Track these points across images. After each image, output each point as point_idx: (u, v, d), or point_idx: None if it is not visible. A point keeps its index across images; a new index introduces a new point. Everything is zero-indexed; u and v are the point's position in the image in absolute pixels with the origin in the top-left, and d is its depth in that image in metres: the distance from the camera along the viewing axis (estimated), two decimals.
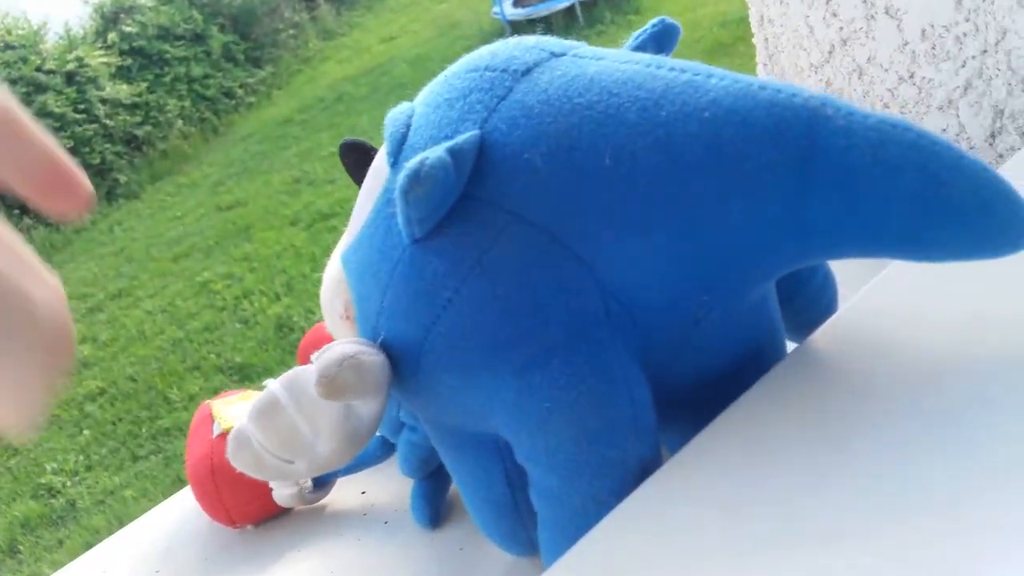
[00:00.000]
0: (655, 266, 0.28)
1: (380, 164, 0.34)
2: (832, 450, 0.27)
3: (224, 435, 0.57)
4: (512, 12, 6.09)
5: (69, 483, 3.30)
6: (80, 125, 6.50)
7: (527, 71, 0.32)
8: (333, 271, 0.36)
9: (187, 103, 7.25)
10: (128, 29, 7.33)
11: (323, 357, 0.29)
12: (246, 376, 3.47)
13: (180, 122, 7.07)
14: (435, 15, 7.95)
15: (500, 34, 6.19)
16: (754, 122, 0.27)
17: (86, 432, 3.58)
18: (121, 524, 2.93)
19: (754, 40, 0.71)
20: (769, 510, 0.26)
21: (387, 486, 0.57)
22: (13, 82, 6.36)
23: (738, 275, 0.30)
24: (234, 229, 4.89)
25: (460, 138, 0.30)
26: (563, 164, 0.29)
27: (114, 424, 3.56)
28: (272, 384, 0.30)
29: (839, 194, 0.27)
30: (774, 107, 0.27)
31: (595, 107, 0.29)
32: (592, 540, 0.28)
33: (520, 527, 0.37)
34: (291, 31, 8.48)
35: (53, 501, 3.23)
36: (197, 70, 7.48)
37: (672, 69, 0.29)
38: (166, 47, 7.41)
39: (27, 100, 6.35)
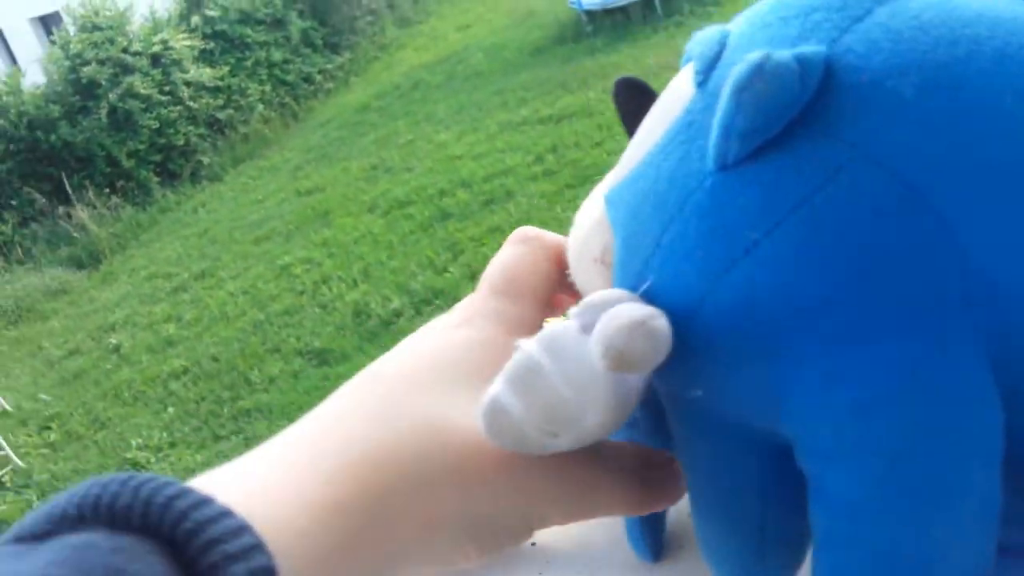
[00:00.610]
0: None
1: (681, 85, 0.28)
2: None
3: None
4: (589, 1, 6.04)
5: (153, 459, 3.40)
6: (165, 107, 6.67)
7: None
8: (592, 212, 0.31)
9: (267, 87, 7.38)
10: (210, 13, 7.47)
11: (607, 324, 0.24)
12: (324, 361, 3.53)
13: (261, 106, 7.20)
14: (511, 4, 7.92)
15: (576, 23, 6.16)
16: None
17: (170, 409, 3.68)
18: None
19: None
20: None
21: None
22: (101, 62, 6.53)
23: None
24: (313, 214, 4.97)
25: (806, 49, 0.23)
26: (943, 101, 0.22)
27: (197, 403, 3.65)
28: (527, 345, 0.25)
29: None
30: None
31: (988, 43, 0.23)
32: None
33: (760, 561, 0.30)
34: (368, 18, 8.55)
35: None
36: (277, 55, 7.61)
37: None
38: (247, 31, 7.54)
39: (114, 81, 6.52)
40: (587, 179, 3.98)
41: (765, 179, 0.23)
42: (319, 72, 7.81)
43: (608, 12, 6.00)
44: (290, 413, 3.28)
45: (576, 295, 0.32)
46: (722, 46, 0.27)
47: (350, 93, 7.34)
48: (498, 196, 4.28)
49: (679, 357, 0.26)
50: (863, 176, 0.22)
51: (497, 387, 0.25)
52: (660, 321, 0.24)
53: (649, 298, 0.26)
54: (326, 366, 3.51)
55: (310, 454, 0.25)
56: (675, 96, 0.28)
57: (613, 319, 0.24)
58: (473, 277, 3.63)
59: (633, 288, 0.27)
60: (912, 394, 0.22)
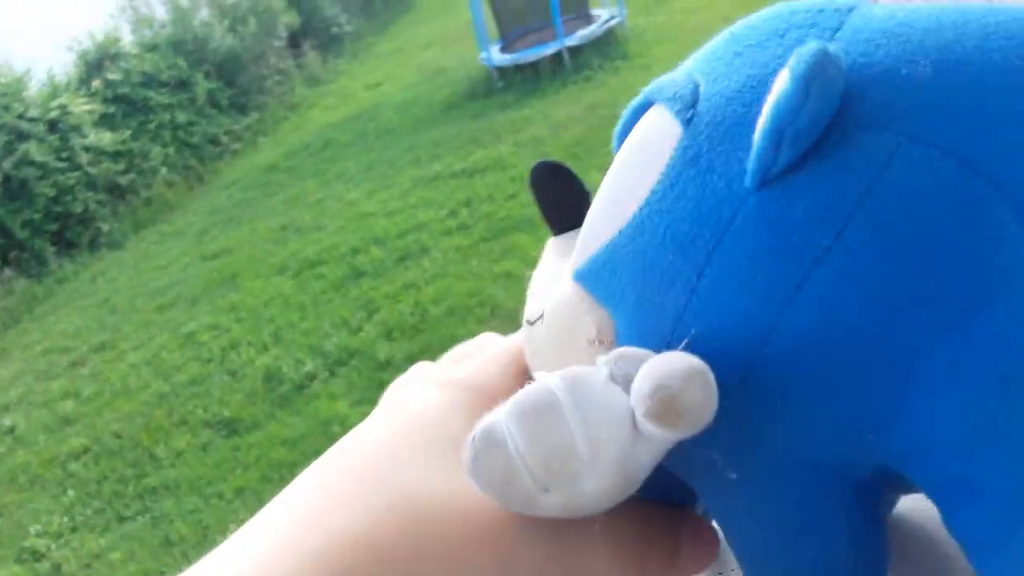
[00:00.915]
0: None
1: (655, 131, 0.27)
2: None
3: None
4: (499, 58, 6.13)
5: (54, 546, 3.20)
6: (63, 173, 6.46)
7: (850, 9, 0.25)
8: (560, 299, 0.29)
9: (171, 150, 7.24)
10: (112, 76, 7.33)
11: (658, 365, 0.22)
12: (234, 431, 3.41)
13: (164, 170, 7.04)
14: (420, 61, 8.00)
15: (487, 80, 6.22)
16: None
17: (70, 492, 3.48)
18: None
19: None
20: None
21: None
22: None
23: None
24: (219, 278, 4.84)
25: (830, 47, 0.23)
26: (959, 76, 0.23)
27: (99, 483, 3.47)
28: (548, 378, 0.23)
29: None
30: None
31: (967, 25, 0.23)
32: None
33: None
34: (277, 78, 8.52)
35: (38, 565, 3.13)
36: (182, 117, 7.48)
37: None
38: (151, 94, 7.42)
39: (9, 148, 6.31)
40: (501, 232, 3.99)
41: (816, 183, 0.22)
42: (225, 133, 7.69)
43: (518, 68, 6.07)
44: (199, 488, 3.15)
45: None
46: (695, 84, 0.26)
47: (258, 153, 7.24)
48: (412, 252, 4.25)
49: (736, 411, 0.23)
50: (917, 158, 0.22)
51: (497, 416, 0.23)
52: (714, 378, 0.22)
53: (696, 353, 0.23)
54: (236, 436, 3.37)
55: (281, 547, 0.23)
56: (651, 144, 0.27)
57: (667, 362, 0.22)
58: (389, 335, 3.57)
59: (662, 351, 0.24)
60: None
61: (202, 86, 7.80)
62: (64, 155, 6.56)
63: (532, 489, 0.23)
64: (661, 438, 0.23)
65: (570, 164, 0.30)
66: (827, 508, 0.25)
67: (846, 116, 0.23)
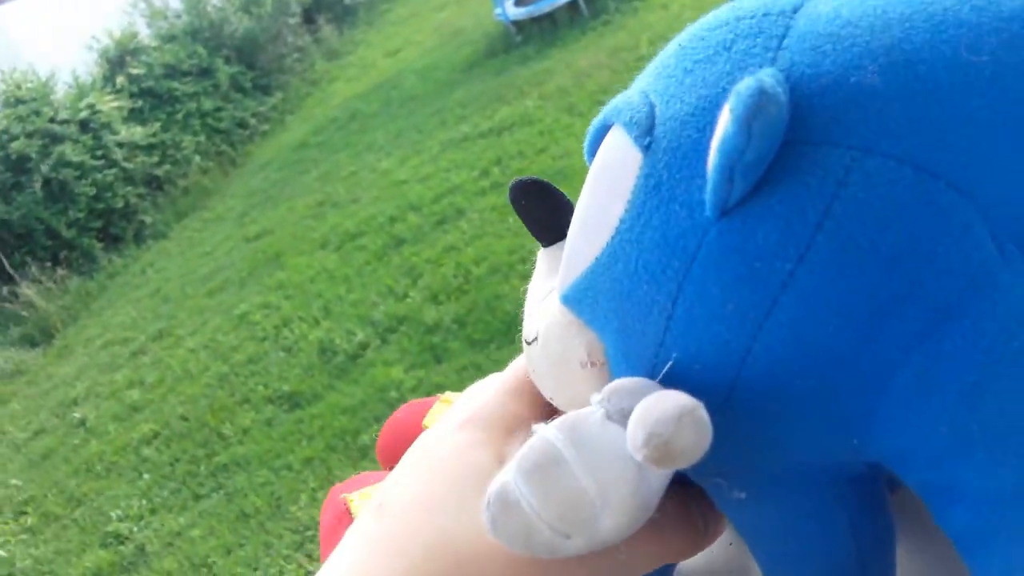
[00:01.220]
0: None
1: (613, 158, 0.27)
2: None
3: None
4: (515, 11, 6.06)
5: (136, 528, 3.32)
6: (100, 171, 6.55)
7: (795, 9, 0.25)
8: (552, 321, 0.29)
9: (202, 138, 7.29)
10: (135, 71, 7.38)
11: (650, 411, 0.22)
12: (296, 404, 3.48)
13: (197, 158, 7.10)
14: (437, 24, 7.94)
15: (505, 35, 6.18)
16: None
17: (146, 476, 3.59)
18: (192, 565, 2.93)
19: None
20: None
21: None
22: (29, 135, 6.41)
23: None
24: (264, 258, 4.91)
25: (767, 72, 0.22)
26: (908, 79, 0.22)
27: (172, 465, 3.58)
28: (547, 432, 0.23)
29: None
30: None
31: (915, 17, 0.23)
32: None
33: None
34: (296, 55, 8.51)
35: (122, 548, 3.25)
36: (208, 104, 7.52)
37: None
38: (175, 84, 7.46)
39: (45, 152, 6.41)
40: None
41: (775, 207, 0.22)
42: (252, 115, 7.72)
43: (535, 20, 6.01)
44: (268, 461, 3.23)
45: None
46: (651, 106, 0.26)
47: (287, 132, 7.27)
48: (449, 215, 4.26)
49: (726, 434, 0.24)
50: (873, 171, 0.22)
51: (508, 476, 0.24)
52: (704, 412, 0.22)
53: (679, 377, 0.24)
54: (299, 409, 3.45)
55: None
56: (614, 170, 0.27)
57: (658, 404, 0.22)
58: (435, 298, 3.61)
59: (650, 376, 0.25)
60: (1017, 355, 0.21)
61: (224, 71, 7.83)
62: (99, 153, 6.65)
63: (553, 539, 0.24)
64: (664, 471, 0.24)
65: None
66: (827, 505, 0.26)
67: (798, 134, 0.22)
